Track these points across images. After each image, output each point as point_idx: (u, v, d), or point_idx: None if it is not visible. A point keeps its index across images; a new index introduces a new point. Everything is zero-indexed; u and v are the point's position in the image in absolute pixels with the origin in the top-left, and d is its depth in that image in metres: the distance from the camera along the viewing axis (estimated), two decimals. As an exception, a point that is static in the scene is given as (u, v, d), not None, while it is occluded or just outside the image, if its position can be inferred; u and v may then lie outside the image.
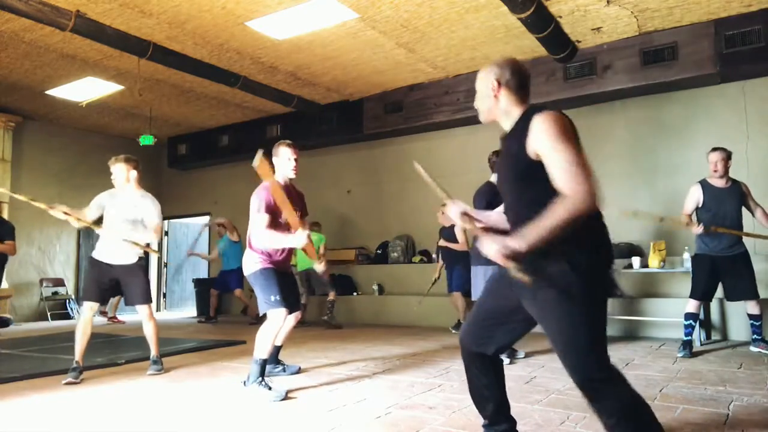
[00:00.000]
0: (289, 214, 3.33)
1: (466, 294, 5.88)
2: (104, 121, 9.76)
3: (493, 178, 4.41)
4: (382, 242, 8.69)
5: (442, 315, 7.05)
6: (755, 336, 4.73)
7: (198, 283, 9.87)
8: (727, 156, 4.60)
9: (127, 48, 6.19)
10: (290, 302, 3.74)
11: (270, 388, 3.42)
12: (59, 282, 9.77)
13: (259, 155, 3.03)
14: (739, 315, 5.26)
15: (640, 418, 1.75)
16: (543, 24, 5.70)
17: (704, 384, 3.53)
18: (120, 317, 9.04)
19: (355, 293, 8.42)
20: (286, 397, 3.36)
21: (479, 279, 4.72)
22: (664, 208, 6.48)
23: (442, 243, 6.45)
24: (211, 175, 10.95)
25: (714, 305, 5.60)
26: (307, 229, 3.37)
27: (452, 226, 6.26)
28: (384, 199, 8.87)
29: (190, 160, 10.74)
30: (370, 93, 8.28)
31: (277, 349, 4.17)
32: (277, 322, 3.56)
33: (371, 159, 9.08)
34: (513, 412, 2.25)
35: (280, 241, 3.53)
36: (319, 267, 3.84)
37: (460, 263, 6.12)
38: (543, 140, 1.76)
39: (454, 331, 6.46)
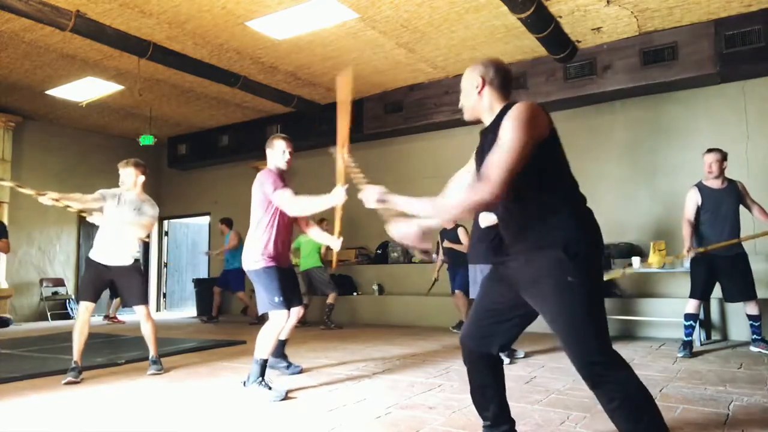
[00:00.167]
0: None
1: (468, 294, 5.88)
2: (104, 121, 9.76)
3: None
4: (382, 242, 8.69)
5: (442, 315, 7.05)
6: (755, 336, 4.73)
7: (198, 283, 9.87)
8: (722, 157, 4.60)
9: (127, 48, 6.19)
10: (292, 300, 3.74)
11: (270, 388, 3.42)
12: (59, 282, 9.77)
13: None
14: (739, 315, 5.26)
15: (641, 402, 1.78)
16: (543, 24, 5.70)
17: (704, 384, 3.53)
18: (120, 317, 9.05)
19: (355, 293, 8.42)
20: (286, 397, 3.36)
21: (477, 277, 4.74)
22: (664, 208, 6.49)
23: (447, 244, 6.44)
24: (211, 175, 10.95)
25: (714, 305, 5.60)
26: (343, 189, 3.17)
27: (455, 228, 6.25)
28: (384, 199, 8.84)
29: (190, 160, 10.74)
30: (370, 93, 8.29)
31: (282, 343, 4.16)
32: (279, 323, 3.55)
33: (371, 159, 9.06)
34: (513, 412, 2.25)
35: (320, 203, 3.40)
36: (336, 244, 3.63)
37: (464, 264, 6.12)
38: (505, 126, 1.83)
39: (455, 331, 6.46)
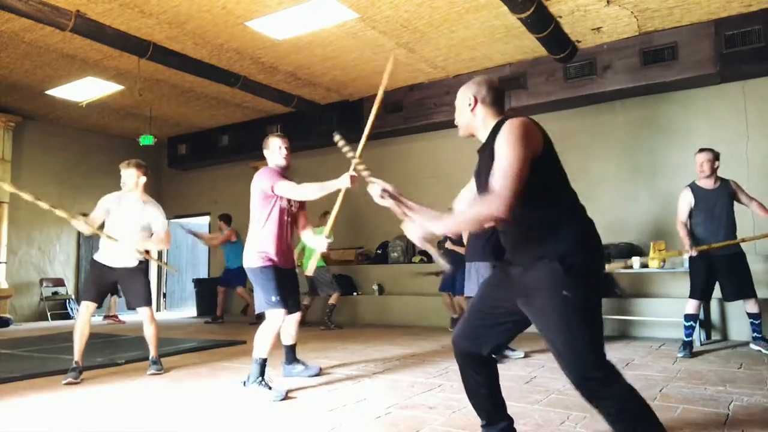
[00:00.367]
0: None
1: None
2: (104, 121, 9.76)
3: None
4: (382, 242, 8.69)
5: (442, 315, 7.05)
6: (755, 334, 4.73)
7: (198, 283, 9.86)
8: (714, 156, 4.61)
9: (127, 48, 6.19)
10: (289, 303, 3.71)
11: (270, 388, 3.42)
12: (59, 282, 9.76)
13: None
14: (739, 315, 5.25)
15: (638, 414, 1.79)
16: (543, 24, 5.70)
17: (704, 384, 3.53)
18: (120, 317, 9.04)
19: (355, 293, 8.42)
20: (286, 397, 3.36)
21: (472, 275, 4.74)
22: (664, 207, 6.49)
23: (450, 246, 6.42)
24: (211, 175, 10.95)
25: (714, 305, 5.60)
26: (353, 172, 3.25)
27: None
28: (384, 199, 8.84)
29: (190, 160, 10.74)
30: (370, 93, 8.28)
31: (290, 348, 4.13)
32: (276, 322, 3.55)
33: (371, 159, 9.01)
34: (513, 412, 2.25)
35: (327, 187, 3.47)
36: (322, 244, 3.59)
37: (463, 267, 6.11)
38: (500, 143, 1.87)
39: (453, 331, 6.45)
